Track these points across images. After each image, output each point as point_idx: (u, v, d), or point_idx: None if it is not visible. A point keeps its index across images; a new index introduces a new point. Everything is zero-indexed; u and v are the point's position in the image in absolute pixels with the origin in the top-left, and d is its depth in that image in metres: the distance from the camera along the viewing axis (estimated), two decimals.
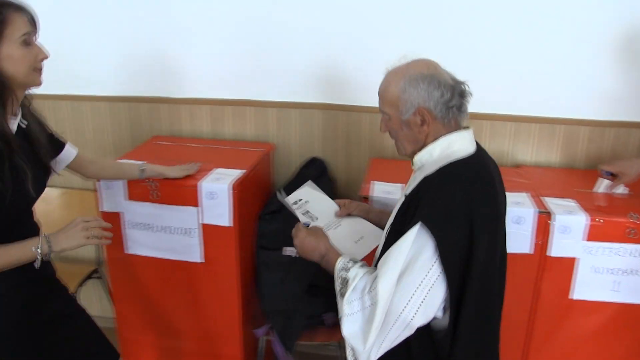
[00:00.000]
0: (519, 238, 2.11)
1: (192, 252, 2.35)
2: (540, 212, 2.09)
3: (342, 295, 1.55)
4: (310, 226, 1.77)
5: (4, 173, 1.54)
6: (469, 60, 2.41)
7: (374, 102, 1.65)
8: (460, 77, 1.59)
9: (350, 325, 1.52)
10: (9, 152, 1.56)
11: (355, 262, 1.62)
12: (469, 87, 1.59)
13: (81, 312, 1.99)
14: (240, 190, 2.27)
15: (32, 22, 1.60)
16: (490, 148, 2.55)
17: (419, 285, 1.43)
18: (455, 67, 1.62)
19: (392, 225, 1.63)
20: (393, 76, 1.58)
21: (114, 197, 2.35)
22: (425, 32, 2.48)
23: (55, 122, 2.42)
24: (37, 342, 1.78)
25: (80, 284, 2.92)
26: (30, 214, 1.78)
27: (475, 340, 1.52)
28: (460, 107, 1.57)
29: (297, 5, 2.55)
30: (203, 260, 2.35)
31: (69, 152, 1.97)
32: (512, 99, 2.52)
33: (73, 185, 3.00)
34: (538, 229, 2.10)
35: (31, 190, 1.63)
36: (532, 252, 2.13)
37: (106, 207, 2.38)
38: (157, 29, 2.74)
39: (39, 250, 1.60)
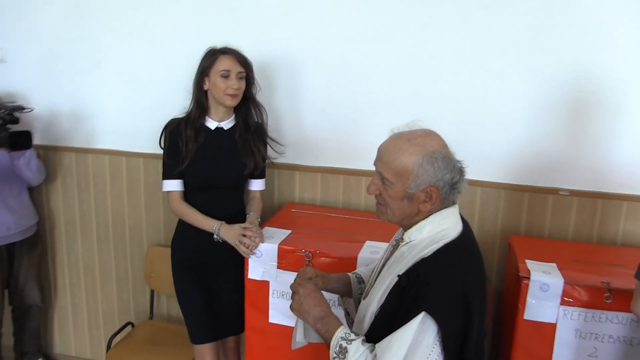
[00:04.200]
0: None
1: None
2: None
3: None
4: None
5: (189, 151, 2.41)
6: None
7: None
8: None
9: None
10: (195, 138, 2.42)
11: (356, 334, 1.59)
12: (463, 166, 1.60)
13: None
14: None
15: (235, 62, 2.36)
16: None
17: None
18: None
19: (382, 306, 1.58)
20: (408, 146, 1.55)
21: (264, 266, 2.35)
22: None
23: None
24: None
25: None
26: (216, 191, 2.49)
27: None
28: (461, 190, 1.59)
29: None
30: None
31: (254, 182, 2.60)
32: None
33: None
34: None
35: (210, 171, 2.44)
36: None
37: (254, 275, 2.38)
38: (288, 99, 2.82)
39: (214, 229, 2.38)
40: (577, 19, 2.40)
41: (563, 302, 2.10)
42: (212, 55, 2.36)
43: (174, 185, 2.46)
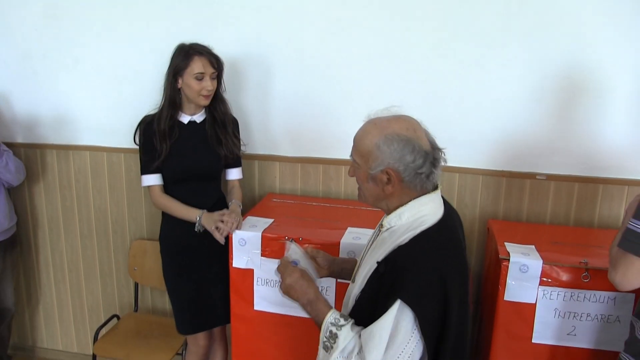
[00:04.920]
0: None
1: None
2: None
3: (327, 350, 1.59)
4: (298, 266, 1.76)
5: (163, 147, 2.45)
6: None
7: None
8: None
9: None
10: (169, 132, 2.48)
11: (346, 319, 1.61)
12: (444, 154, 1.60)
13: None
14: None
15: (208, 65, 2.39)
16: None
17: (401, 353, 1.49)
18: None
19: (363, 291, 1.62)
20: (372, 128, 1.57)
21: (249, 254, 2.38)
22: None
23: None
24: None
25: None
26: (194, 183, 2.54)
27: None
28: (429, 176, 1.57)
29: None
30: None
31: (231, 171, 2.66)
32: None
33: None
34: None
35: (186, 163, 2.50)
36: None
37: (238, 263, 2.41)
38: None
39: (197, 218, 2.41)
40: (553, 3, 2.44)
41: (542, 283, 2.15)
42: (185, 56, 2.39)
43: (152, 180, 2.52)
